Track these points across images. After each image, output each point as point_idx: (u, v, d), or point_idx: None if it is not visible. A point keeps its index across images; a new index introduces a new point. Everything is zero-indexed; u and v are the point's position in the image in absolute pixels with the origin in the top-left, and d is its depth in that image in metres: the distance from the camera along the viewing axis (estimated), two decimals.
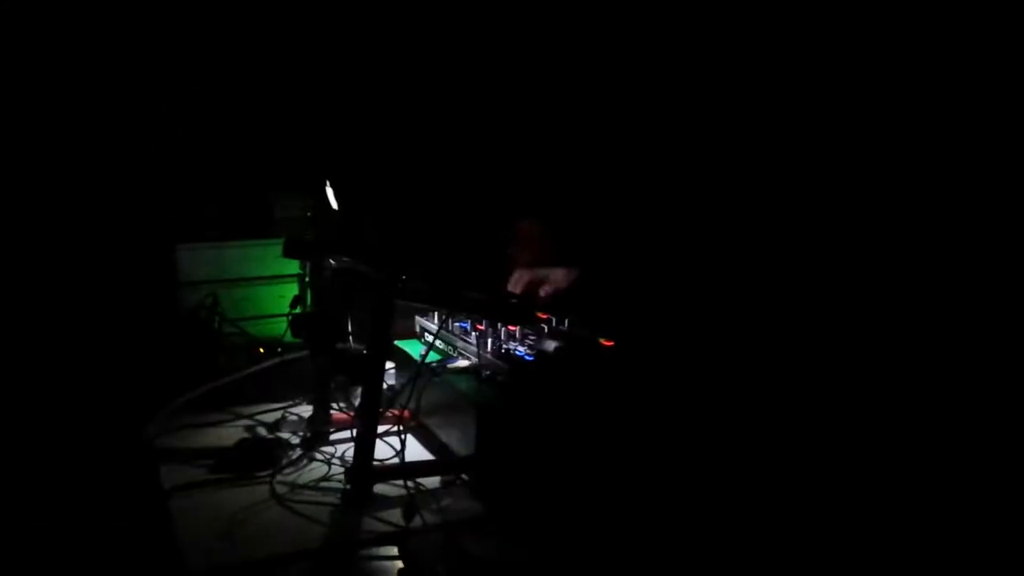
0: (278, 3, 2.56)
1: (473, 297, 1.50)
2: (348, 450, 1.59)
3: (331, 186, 1.56)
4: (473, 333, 1.66)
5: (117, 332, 2.21)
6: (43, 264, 2.68)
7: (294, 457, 1.59)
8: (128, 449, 1.67)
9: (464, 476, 1.50)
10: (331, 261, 1.60)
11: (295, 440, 1.66)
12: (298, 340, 1.86)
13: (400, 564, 1.22)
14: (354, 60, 2.53)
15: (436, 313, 1.78)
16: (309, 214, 2.40)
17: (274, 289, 2.12)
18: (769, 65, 1.68)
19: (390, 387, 1.68)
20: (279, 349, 1.95)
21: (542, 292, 1.80)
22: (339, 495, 1.45)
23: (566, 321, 1.74)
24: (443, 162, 2.41)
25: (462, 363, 1.64)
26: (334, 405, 1.73)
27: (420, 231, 1.93)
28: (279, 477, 1.51)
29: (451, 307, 1.59)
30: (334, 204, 1.58)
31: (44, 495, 2.06)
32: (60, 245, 2.69)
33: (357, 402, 1.71)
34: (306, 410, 1.78)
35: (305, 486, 1.49)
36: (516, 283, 1.82)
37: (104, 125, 2.47)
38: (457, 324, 1.73)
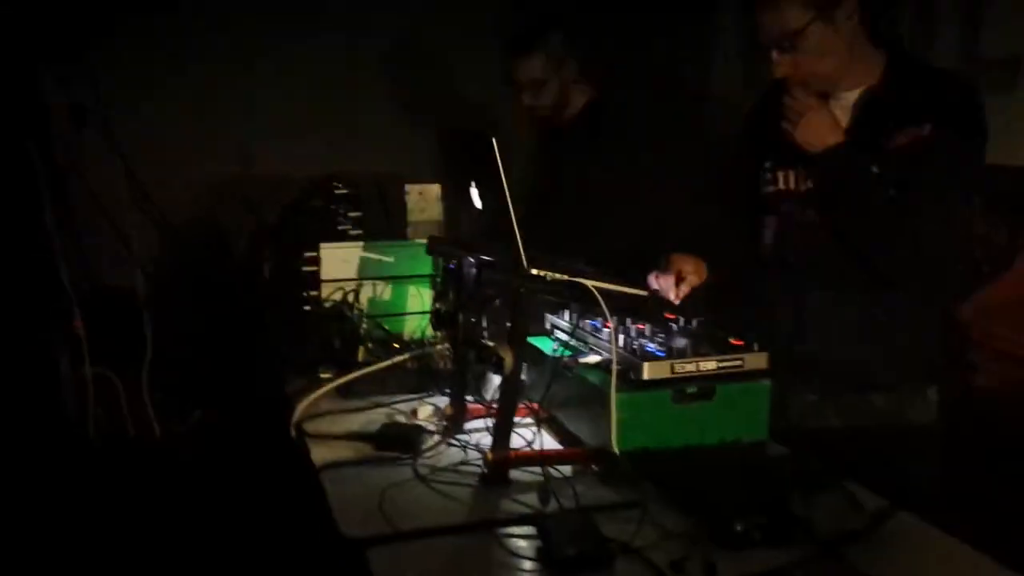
0: None
1: (605, 295, 1.56)
2: (483, 439, 1.67)
3: (475, 186, 1.65)
4: (604, 330, 1.71)
5: (269, 325, 2.38)
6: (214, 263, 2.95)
7: (433, 443, 1.67)
8: (279, 430, 1.80)
9: (594, 466, 1.55)
10: (470, 259, 1.68)
11: (432, 428, 1.75)
12: (437, 334, 1.97)
13: (539, 543, 1.29)
14: None
15: (568, 311, 1.84)
16: (442, 219, 2.53)
17: (409, 287, 2.24)
18: None
19: (521, 382, 1.75)
20: (422, 341, 2.07)
21: (678, 290, 1.85)
22: (477, 478, 1.53)
23: (694, 320, 1.77)
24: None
25: (593, 359, 1.69)
26: (469, 397, 1.82)
27: (557, 230, 1.99)
28: (420, 460, 1.60)
29: (584, 304, 1.64)
30: (477, 204, 1.66)
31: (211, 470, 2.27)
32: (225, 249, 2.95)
33: (490, 395, 1.80)
34: (441, 401, 1.87)
35: (445, 468, 1.57)
36: (658, 279, 1.87)
37: None
38: (588, 322, 1.79)
